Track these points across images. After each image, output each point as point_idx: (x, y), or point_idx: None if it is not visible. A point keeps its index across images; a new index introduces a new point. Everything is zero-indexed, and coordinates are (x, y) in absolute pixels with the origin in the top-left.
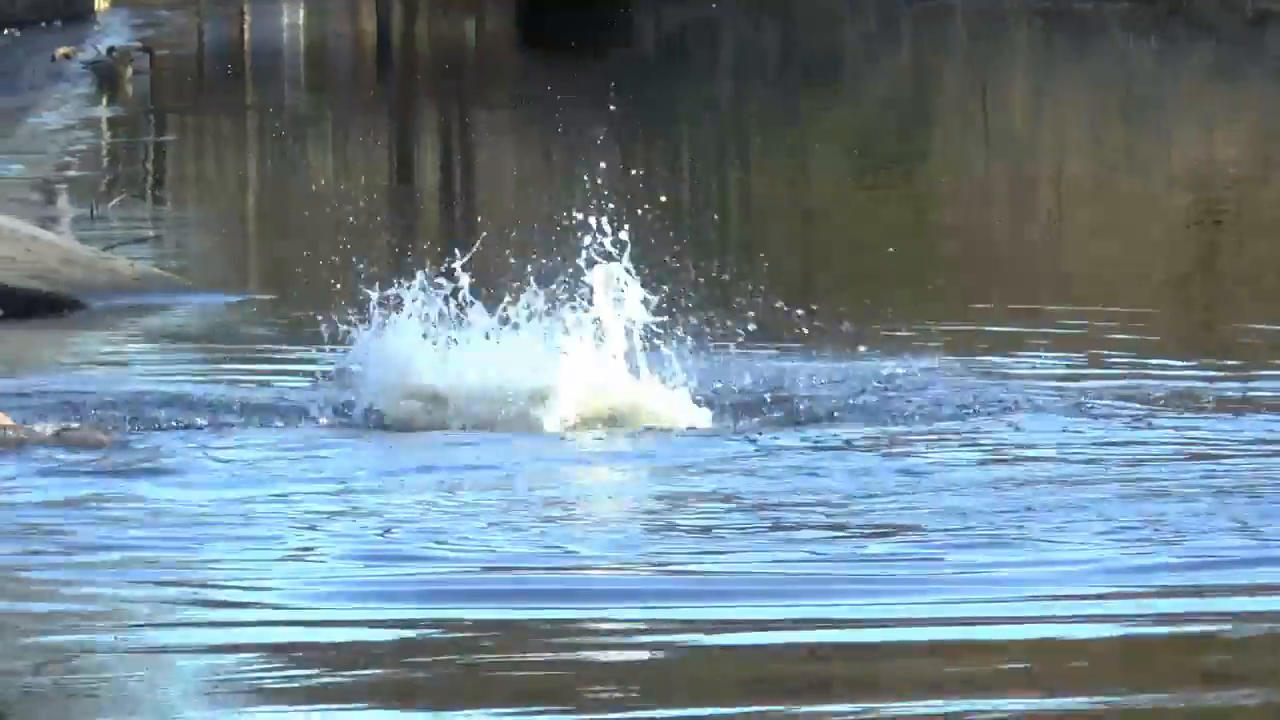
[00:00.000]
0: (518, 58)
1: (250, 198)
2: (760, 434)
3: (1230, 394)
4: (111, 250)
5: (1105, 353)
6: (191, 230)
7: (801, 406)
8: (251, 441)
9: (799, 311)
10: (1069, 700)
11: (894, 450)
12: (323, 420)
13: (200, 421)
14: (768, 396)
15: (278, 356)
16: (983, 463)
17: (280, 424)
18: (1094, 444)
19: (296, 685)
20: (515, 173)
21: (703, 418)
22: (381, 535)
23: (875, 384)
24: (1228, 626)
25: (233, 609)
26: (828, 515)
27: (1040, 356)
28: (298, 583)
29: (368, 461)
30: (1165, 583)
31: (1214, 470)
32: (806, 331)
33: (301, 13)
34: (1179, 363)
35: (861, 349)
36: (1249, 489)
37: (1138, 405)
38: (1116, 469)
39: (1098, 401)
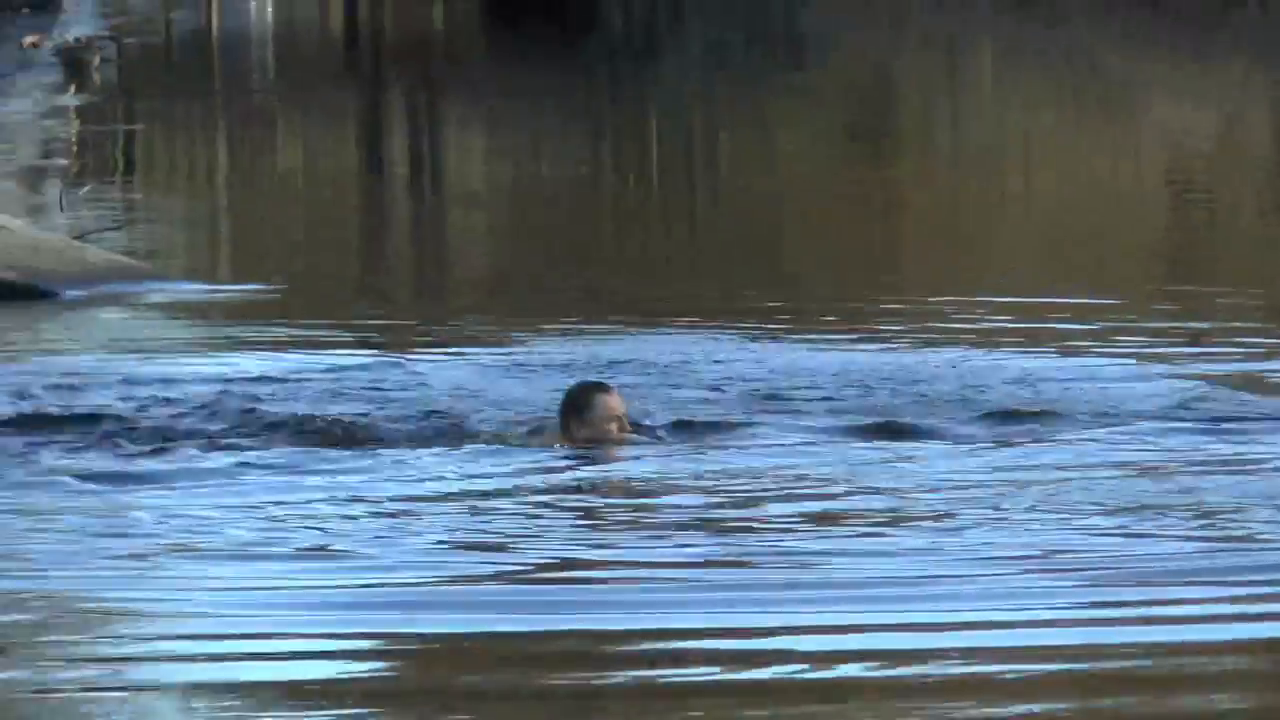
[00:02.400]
0: (485, 41)
1: (218, 185)
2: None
3: None
4: (81, 239)
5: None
6: (160, 218)
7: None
8: (207, 440)
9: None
10: None
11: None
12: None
13: (157, 413)
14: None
15: (244, 343)
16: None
17: (235, 423)
18: None
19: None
20: (484, 158)
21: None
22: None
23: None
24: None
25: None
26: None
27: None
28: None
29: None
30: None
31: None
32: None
33: (270, 1)
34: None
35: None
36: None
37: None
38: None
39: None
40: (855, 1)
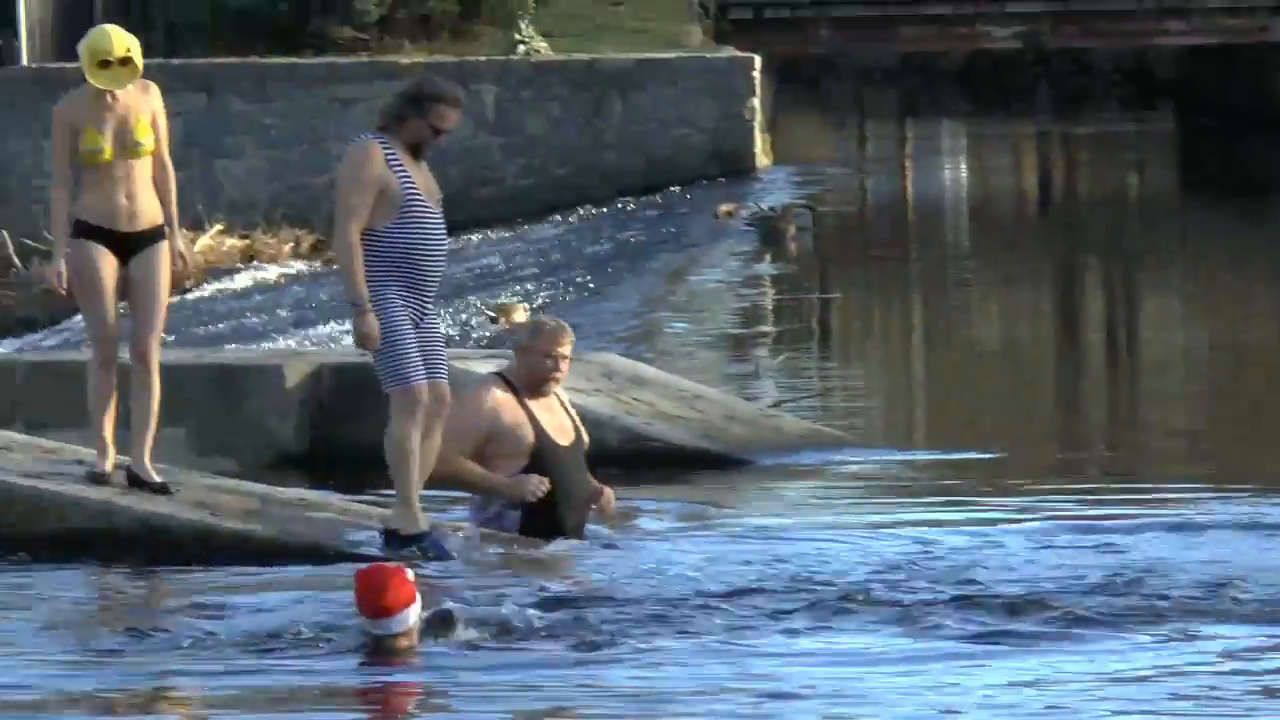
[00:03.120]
0: (1179, 204)
1: (913, 352)
2: None
3: None
4: (777, 407)
5: None
6: (855, 386)
7: None
8: None
9: None
10: None
11: None
12: None
13: None
14: None
15: (947, 508)
16: None
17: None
18: None
19: None
20: (1181, 323)
21: None
22: None
23: None
24: None
25: None
26: None
27: None
28: None
29: None
30: None
31: None
32: None
33: (964, 167)
34: None
35: None
36: None
37: None
38: None
39: None
40: None
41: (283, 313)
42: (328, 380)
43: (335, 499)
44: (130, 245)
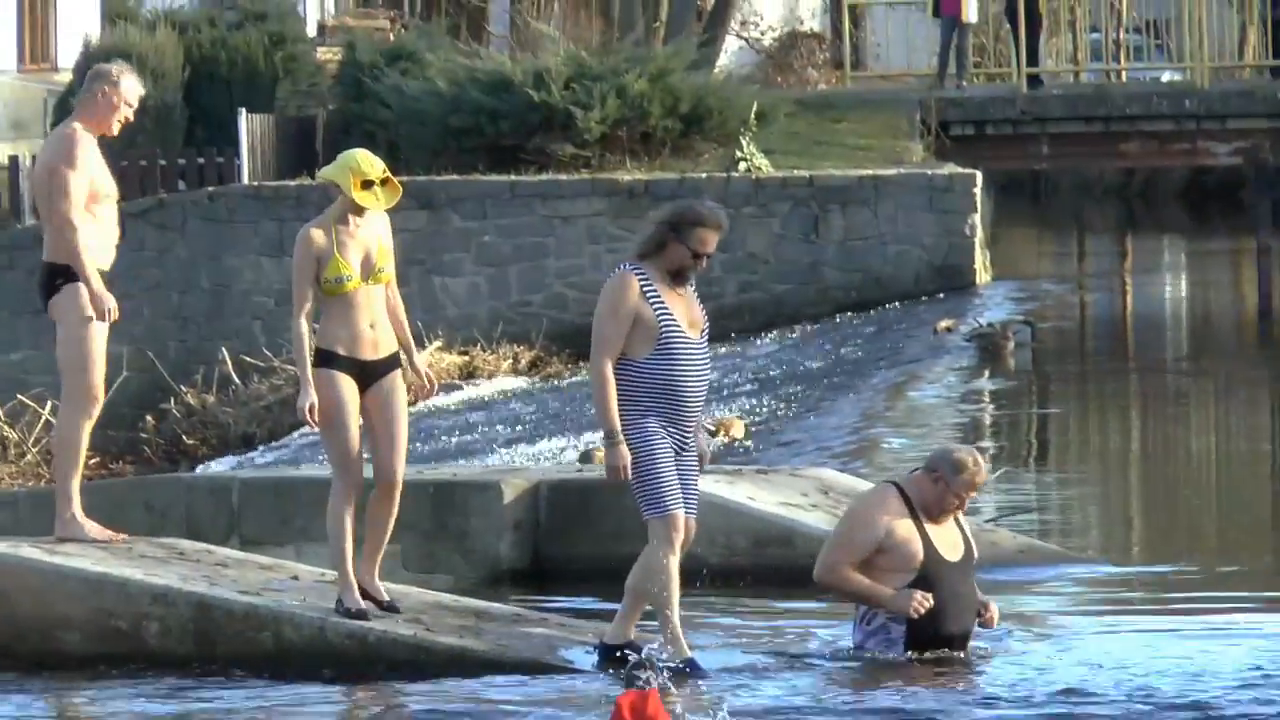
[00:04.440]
0: None
1: (1131, 466)
2: None
3: None
4: (995, 522)
5: None
6: (1072, 501)
7: None
8: None
9: None
10: None
11: None
12: None
13: None
14: None
15: (1161, 617)
16: None
17: None
18: None
19: None
20: None
21: None
22: None
23: None
24: None
25: None
26: None
27: None
28: None
29: None
30: None
31: None
32: None
33: (1184, 282)
34: None
35: None
36: None
37: None
38: None
39: None
40: None
41: (501, 429)
42: (545, 496)
43: (551, 615)
44: (371, 372)
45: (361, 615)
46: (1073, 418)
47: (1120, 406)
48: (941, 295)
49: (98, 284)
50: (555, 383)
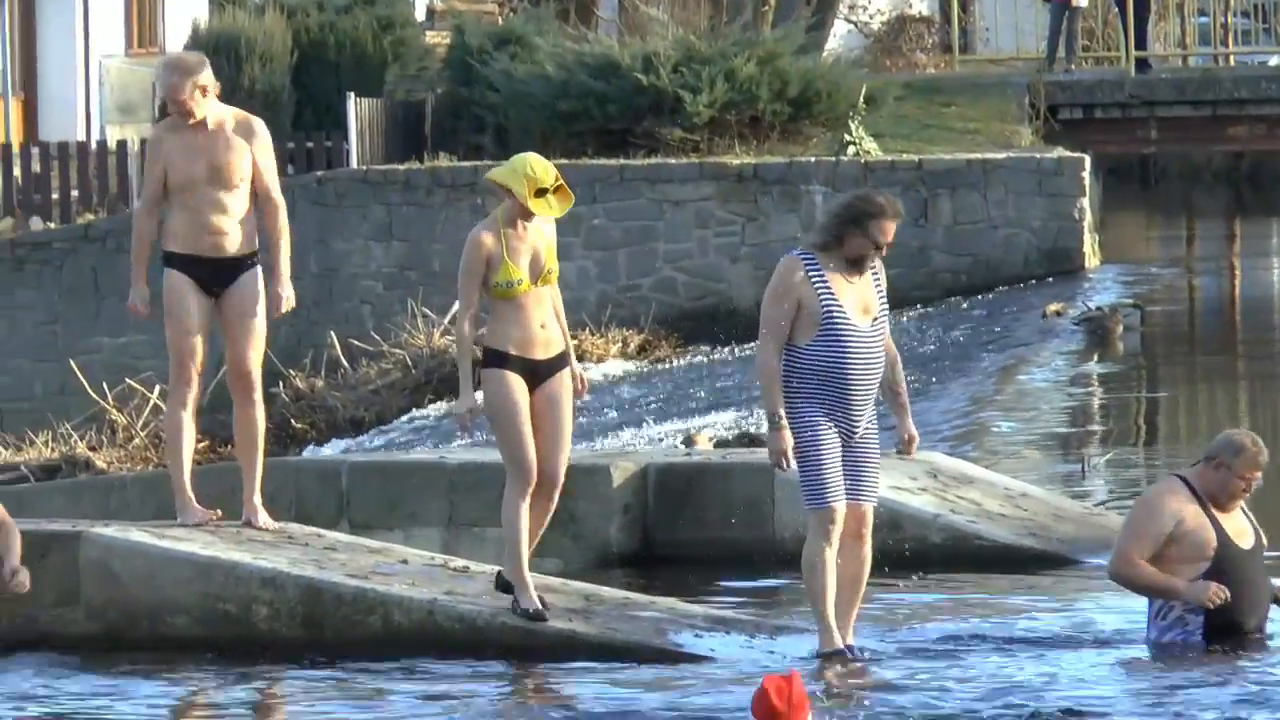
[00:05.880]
0: None
1: None
2: None
3: None
4: (1102, 506)
5: None
6: None
7: None
8: None
9: None
10: None
11: None
12: None
13: None
14: None
15: None
16: None
17: None
18: None
19: None
20: None
21: None
22: None
23: None
24: None
25: None
26: None
27: None
28: None
29: None
30: None
31: None
32: None
33: None
34: None
35: None
36: None
37: None
38: None
39: None
40: None
41: (610, 413)
42: (654, 480)
43: (661, 599)
44: (540, 371)
45: (540, 617)
46: (1182, 401)
47: (1229, 390)
48: (1050, 279)
49: (136, 273)
50: (664, 366)
